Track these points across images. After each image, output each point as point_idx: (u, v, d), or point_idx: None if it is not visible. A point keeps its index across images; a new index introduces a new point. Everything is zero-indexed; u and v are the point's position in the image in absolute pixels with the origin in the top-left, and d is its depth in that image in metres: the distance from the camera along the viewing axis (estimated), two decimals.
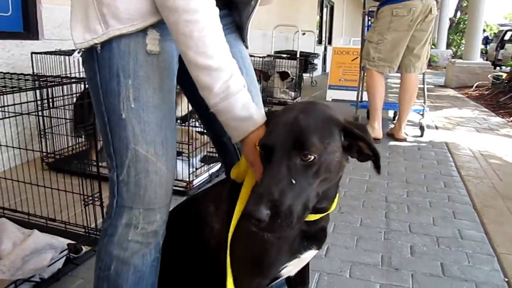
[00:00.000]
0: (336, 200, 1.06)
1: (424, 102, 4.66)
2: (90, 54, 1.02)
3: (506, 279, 1.92)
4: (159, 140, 1.04)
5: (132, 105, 1.00)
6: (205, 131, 4.22)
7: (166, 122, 1.05)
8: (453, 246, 2.20)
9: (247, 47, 1.32)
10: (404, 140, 4.34)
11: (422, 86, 4.52)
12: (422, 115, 4.64)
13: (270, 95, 6.44)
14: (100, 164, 2.03)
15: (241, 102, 0.99)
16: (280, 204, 0.84)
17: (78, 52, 1.02)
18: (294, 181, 0.86)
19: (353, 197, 2.80)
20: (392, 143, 4.28)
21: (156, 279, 1.18)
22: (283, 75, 6.39)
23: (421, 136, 4.54)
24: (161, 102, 1.04)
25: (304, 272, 1.37)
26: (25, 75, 1.90)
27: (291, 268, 1.15)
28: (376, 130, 4.22)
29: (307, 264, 1.36)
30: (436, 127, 5.09)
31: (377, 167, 0.97)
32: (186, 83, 1.03)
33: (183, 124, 3.94)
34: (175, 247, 1.27)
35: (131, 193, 1.05)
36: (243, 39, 1.30)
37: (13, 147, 2.49)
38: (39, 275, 1.70)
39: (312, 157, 0.87)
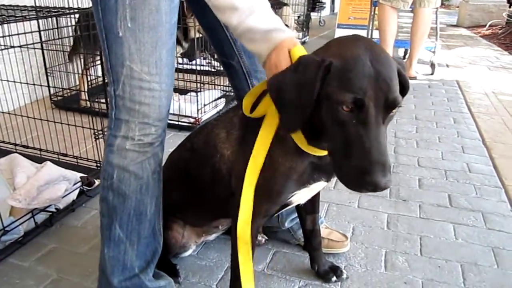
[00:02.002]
0: None
1: (436, 40, 4.53)
2: None
3: None
4: (153, 60, 1.06)
5: (129, 24, 1.01)
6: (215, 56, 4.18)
7: (161, 43, 1.06)
8: (461, 179, 2.22)
9: None
10: (414, 78, 4.25)
11: (434, 25, 4.36)
12: (434, 52, 4.51)
13: None
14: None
15: (268, 15, 0.98)
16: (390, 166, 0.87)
17: None
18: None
19: None
20: None
21: (160, 193, 1.23)
22: None
23: (432, 74, 4.44)
24: (157, 24, 1.03)
25: (314, 202, 1.40)
26: (27, 6, 1.85)
27: (300, 197, 1.17)
28: None
29: (318, 194, 1.38)
30: (447, 66, 4.98)
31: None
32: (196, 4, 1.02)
33: (190, 63, 3.89)
34: (189, 171, 1.30)
35: (127, 107, 1.09)
36: None
37: (21, 83, 2.47)
38: (54, 206, 1.75)
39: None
